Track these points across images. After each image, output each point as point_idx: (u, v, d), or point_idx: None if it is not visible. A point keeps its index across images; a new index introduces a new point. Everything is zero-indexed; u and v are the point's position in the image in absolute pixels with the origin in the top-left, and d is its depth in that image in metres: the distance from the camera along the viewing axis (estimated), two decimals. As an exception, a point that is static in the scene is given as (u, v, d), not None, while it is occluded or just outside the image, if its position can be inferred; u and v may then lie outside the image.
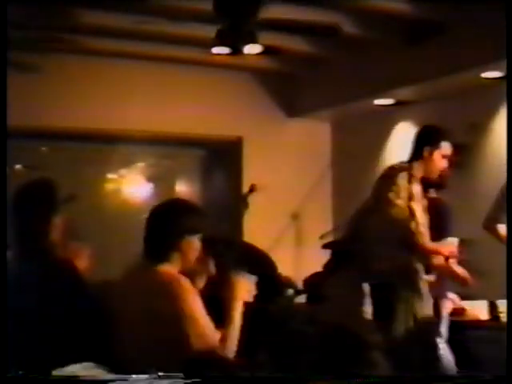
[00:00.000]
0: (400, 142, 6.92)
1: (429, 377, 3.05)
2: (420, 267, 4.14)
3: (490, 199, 4.55)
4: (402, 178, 4.17)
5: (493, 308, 4.60)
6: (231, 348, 2.86)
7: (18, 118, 4.51)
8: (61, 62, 6.41)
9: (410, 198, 4.14)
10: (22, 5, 4.82)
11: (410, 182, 4.17)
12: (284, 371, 3.69)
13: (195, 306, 2.84)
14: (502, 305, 4.49)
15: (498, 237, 4.40)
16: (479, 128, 5.99)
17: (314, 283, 5.50)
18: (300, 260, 6.91)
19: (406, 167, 4.23)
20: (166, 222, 2.94)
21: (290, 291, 5.93)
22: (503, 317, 4.44)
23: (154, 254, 2.93)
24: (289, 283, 6.06)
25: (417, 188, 4.18)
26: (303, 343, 4.23)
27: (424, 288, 4.09)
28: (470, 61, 5.46)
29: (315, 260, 5.65)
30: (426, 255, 4.18)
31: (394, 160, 5.66)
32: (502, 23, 4.01)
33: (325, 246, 5.55)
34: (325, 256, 5.38)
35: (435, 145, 4.23)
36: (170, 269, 2.90)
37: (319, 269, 5.40)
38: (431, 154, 4.22)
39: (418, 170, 4.22)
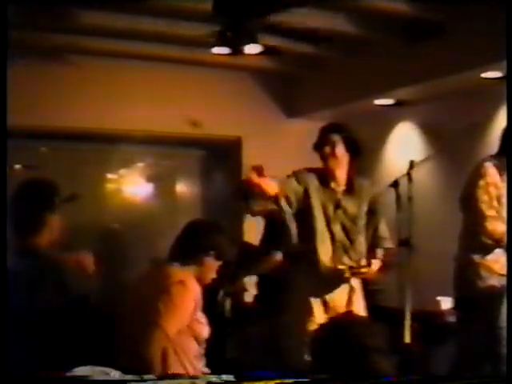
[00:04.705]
0: (400, 142, 6.93)
1: (429, 377, 3.05)
2: None
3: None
4: None
5: None
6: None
7: (18, 117, 4.51)
8: (61, 61, 6.40)
9: None
10: (22, 5, 4.81)
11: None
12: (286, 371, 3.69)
13: (187, 302, 2.89)
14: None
15: None
16: (479, 127, 5.98)
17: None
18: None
19: None
20: (201, 237, 3.02)
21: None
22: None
23: (180, 258, 2.99)
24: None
25: None
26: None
27: None
28: (470, 61, 5.45)
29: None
30: None
31: (394, 160, 5.69)
32: (502, 23, 4.01)
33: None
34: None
35: None
36: (184, 271, 2.95)
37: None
38: None
39: None
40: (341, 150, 4.29)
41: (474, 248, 4.31)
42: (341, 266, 4.23)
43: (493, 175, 4.23)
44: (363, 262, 4.26)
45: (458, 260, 4.49)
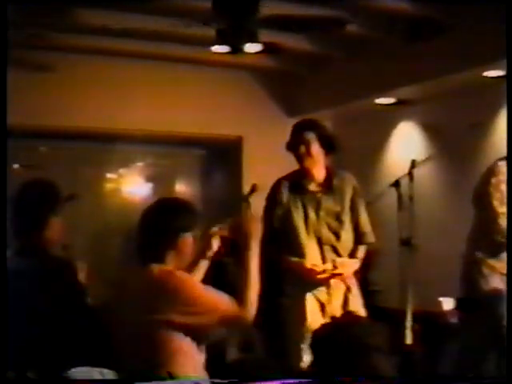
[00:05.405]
0: (401, 141, 6.91)
1: (429, 377, 3.04)
2: None
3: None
4: None
5: None
6: (252, 303, 2.85)
7: (18, 117, 4.49)
8: (60, 61, 6.39)
9: None
10: (22, 4, 4.80)
11: None
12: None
13: (198, 287, 2.85)
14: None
15: None
16: (480, 127, 5.97)
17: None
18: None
19: None
20: (160, 222, 2.95)
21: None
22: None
23: (150, 254, 2.92)
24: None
25: None
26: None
27: None
28: (471, 59, 5.43)
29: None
30: None
31: (396, 159, 5.67)
32: (503, 22, 4.00)
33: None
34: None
35: None
36: (164, 266, 2.90)
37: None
38: None
39: None
40: (316, 148, 4.15)
41: (485, 247, 4.30)
42: (318, 268, 4.08)
43: (505, 173, 4.21)
44: (337, 261, 4.09)
45: (467, 259, 4.46)
